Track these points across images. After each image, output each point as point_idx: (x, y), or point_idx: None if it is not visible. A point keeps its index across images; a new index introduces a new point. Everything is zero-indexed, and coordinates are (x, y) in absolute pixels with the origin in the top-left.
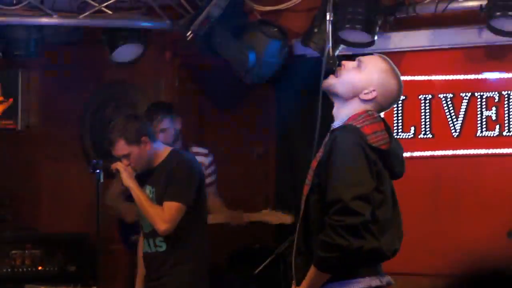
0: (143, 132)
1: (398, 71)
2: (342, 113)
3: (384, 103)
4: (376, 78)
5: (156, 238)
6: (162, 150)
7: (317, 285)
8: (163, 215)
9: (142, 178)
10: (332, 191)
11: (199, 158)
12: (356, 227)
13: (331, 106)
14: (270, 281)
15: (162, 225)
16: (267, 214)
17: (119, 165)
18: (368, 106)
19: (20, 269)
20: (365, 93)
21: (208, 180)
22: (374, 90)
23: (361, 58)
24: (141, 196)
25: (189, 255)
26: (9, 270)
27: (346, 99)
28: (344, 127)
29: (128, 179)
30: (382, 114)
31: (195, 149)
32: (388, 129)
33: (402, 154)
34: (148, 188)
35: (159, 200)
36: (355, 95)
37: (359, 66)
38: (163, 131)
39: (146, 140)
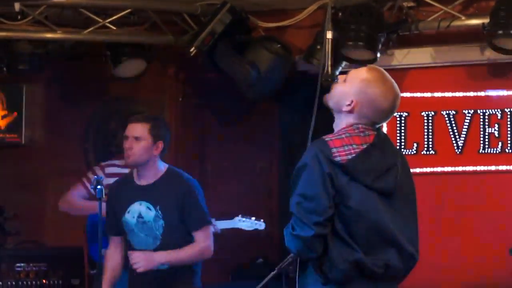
0: (164, 138)
1: (390, 82)
2: (335, 127)
3: (371, 114)
4: (355, 89)
5: None
6: (162, 166)
7: None
8: (206, 246)
9: (131, 193)
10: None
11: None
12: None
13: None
14: None
15: (210, 254)
16: (239, 221)
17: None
18: (352, 119)
19: (24, 283)
20: (346, 105)
21: None
22: (353, 101)
23: (350, 71)
24: (183, 257)
25: (189, 271)
26: (13, 283)
27: (337, 112)
28: (312, 142)
29: (158, 261)
30: (385, 126)
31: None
32: (377, 143)
33: (385, 168)
34: (145, 205)
35: (168, 220)
36: (341, 108)
37: (345, 79)
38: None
39: (160, 146)
